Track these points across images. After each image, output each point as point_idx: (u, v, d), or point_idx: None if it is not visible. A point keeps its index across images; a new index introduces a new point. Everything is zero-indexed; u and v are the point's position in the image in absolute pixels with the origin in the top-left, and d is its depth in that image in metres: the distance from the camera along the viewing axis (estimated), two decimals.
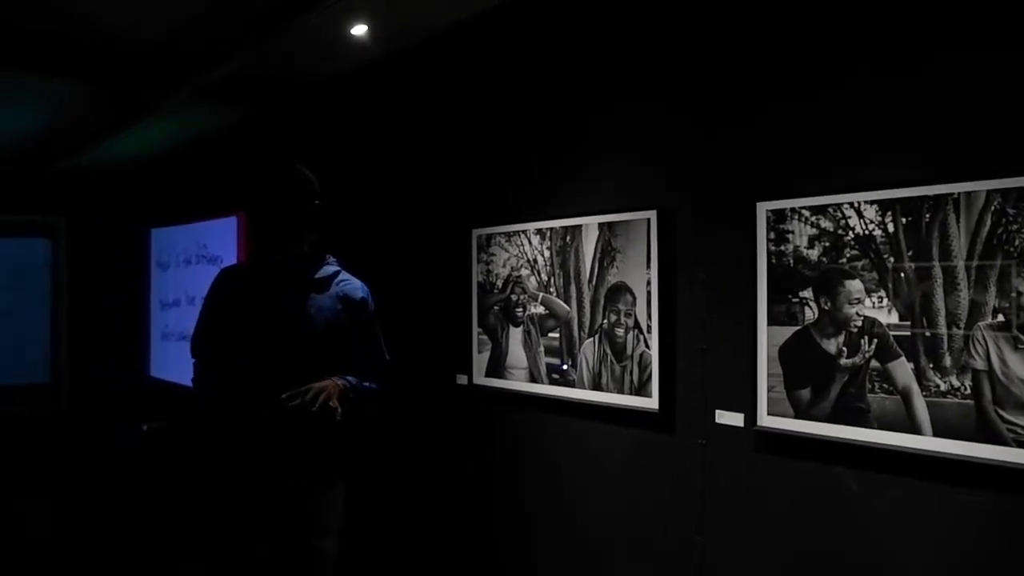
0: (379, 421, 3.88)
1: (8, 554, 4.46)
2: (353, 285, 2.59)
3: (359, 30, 3.46)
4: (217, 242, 5.40)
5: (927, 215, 2.01)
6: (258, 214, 2.55)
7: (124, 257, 7.13)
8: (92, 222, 7.13)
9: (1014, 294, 1.87)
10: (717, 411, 2.51)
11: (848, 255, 2.16)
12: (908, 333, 2.05)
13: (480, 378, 3.41)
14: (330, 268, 2.59)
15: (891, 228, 2.08)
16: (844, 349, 2.17)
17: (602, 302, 2.85)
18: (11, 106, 4.75)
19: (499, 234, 3.30)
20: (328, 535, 2.48)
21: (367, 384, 2.52)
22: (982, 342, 1.92)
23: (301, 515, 2.44)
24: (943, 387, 1.98)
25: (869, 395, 2.12)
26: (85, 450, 6.61)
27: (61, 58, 3.80)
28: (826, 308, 2.21)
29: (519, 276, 3.20)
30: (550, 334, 3.06)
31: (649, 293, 2.68)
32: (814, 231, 2.24)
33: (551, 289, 3.06)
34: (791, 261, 2.29)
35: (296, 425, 2.34)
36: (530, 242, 3.15)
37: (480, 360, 3.40)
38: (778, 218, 2.32)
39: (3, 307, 6.73)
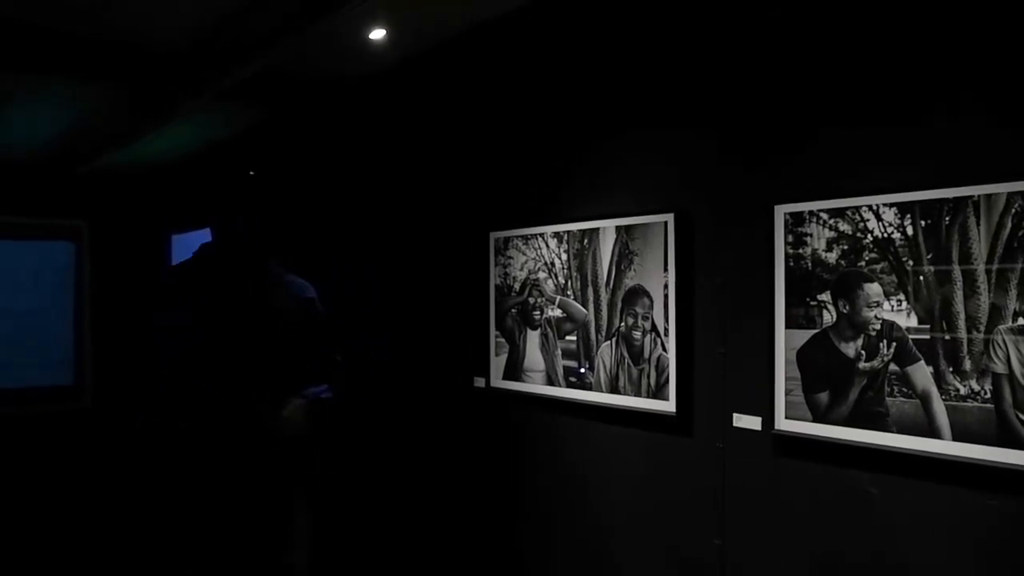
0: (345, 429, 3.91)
1: (27, 550, 4.52)
2: (298, 285, 2.69)
3: (378, 34, 3.49)
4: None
5: (947, 218, 2.00)
6: (214, 229, 2.66)
7: (147, 260, 7.20)
8: (115, 225, 7.21)
9: None
10: (735, 414, 2.50)
11: (867, 258, 2.16)
12: (927, 337, 2.03)
13: (497, 380, 3.42)
14: (273, 274, 2.67)
15: (910, 231, 2.07)
16: (863, 352, 2.16)
17: (619, 305, 2.85)
18: (35, 109, 4.82)
19: (517, 237, 3.31)
20: (296, 548, 2.52)
21: (321, 393, 2.61)
22: (1002, 346, 1.90)
23: (267, 529, 2.49)
24: (963, 391, 1.97)
25: (888, 399, 2.11)
26: (108, 450, 6.68)
27: (85, 61, 3.84)
28: (844, 311, 2.20)
29: (536, 279, 3.21)
30: (567, 337, 3.07)
31: (666, 296, 2.68)
32: (832, 234, 2.23)
33: (568, 292, 3.06)
34: (809, 264, 2.28)
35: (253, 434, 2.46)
36: (547, 245, 3.15)
37: (497, 363, 3.41)
38: (796, 221, 2.31)
39: (27, 309, 6.81)
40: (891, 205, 2.10)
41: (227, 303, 2.60)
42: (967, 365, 1.96)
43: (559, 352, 3.11)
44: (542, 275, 3.18)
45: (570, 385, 3.05)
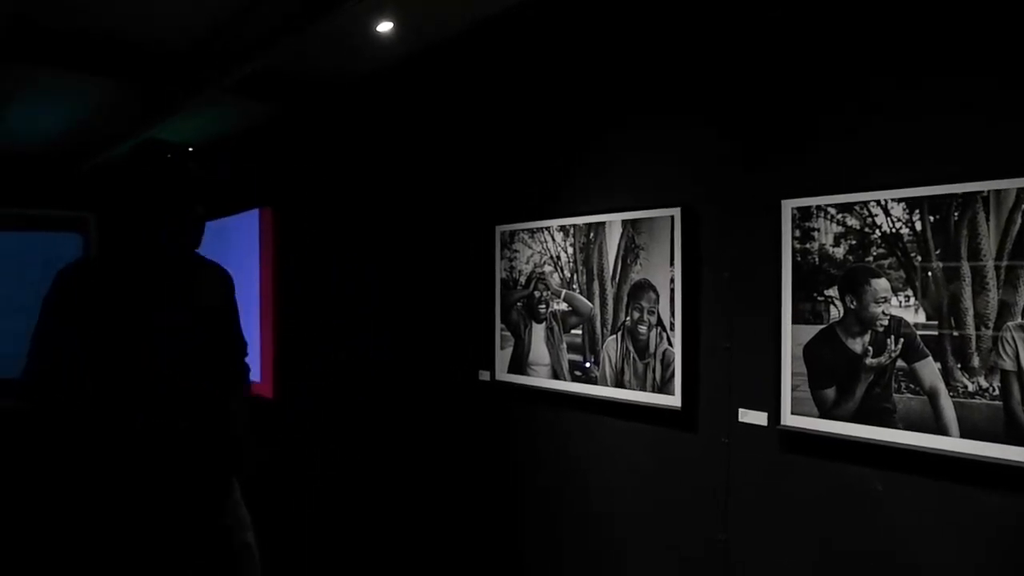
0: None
1: (27, 545, 4.54)
2: (220, 269, 2.49)
3: (385, 27, 3.48)
4: (239, 236, 5.45)
5: (955, 213, 1.98)
6: (147, 208, 2.36)
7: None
8: (122, 217, 7.24)
9: None
10: (740, 410, 2.50)
11: (874, 253, 2.14)
12: (935, 333, 2.02)
13: (503, 374, 3.42)
14: (199, 261, 2.46)
15: (919, 226, 2.05)
16: (870, 348, 2.15)
17: (625, 299, 2.84)
18: (44, 104, 4.84)
19: (523, 231, 3.30)
20: (247, 529, 2.41)
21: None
22: (1011, 343, 1.89)
23: (213, 517, 2.37)
24: (971, 388, 1.95)
25: (895, 395, 2.10)
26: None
27: (92, 57, 3.86)
28: (852, 307, 2.19)
29: (542, 273, 3.20)
30: (573, 331, 3.06)
31: (672, 290, 2.67)
32: (840, 229, 2.22)
33: (574, 286, 3.06)
34: (816, 259, 2.27)
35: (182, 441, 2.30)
36: (553, 239, 3.15)
37: (503, 356, 3.41)
38: (804, 216, 2.30)
39: (34, 302, 6.85)
40: (899, 200, 2.09)
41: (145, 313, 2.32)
42: (975, 362, 1.95)
43: (564, 346, 3.10)
44: (548, 268, 3.18)
45: (575, 379, 3.05)
